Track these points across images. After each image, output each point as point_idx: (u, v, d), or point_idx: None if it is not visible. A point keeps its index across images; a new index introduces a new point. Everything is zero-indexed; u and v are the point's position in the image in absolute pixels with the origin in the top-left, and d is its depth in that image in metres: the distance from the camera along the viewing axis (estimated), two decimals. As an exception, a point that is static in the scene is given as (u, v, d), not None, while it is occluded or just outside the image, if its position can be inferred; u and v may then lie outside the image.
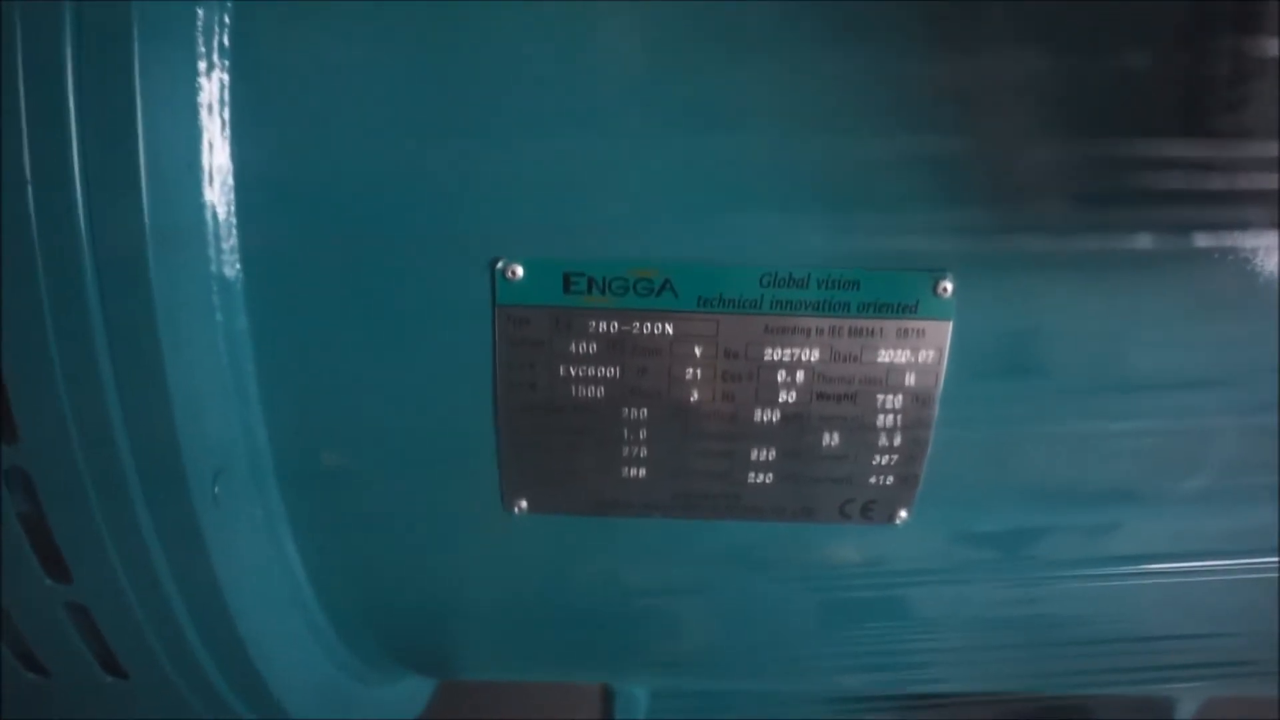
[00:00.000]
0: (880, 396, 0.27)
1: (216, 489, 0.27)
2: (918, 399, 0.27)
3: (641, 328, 0.27)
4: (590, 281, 0.26)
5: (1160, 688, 0.41)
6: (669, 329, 0.27)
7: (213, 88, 0.25)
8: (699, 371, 0.27)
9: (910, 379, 0.27)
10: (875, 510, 0.29)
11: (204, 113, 0.24)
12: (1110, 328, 0.26)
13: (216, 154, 0.25)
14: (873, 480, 0.29)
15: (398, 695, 0.46)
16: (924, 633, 0.35)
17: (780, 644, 0.36)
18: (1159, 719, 0.45)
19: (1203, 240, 0.25)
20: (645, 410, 0.28)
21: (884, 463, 0.28)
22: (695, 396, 0.27)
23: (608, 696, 0.56)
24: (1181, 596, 0.31)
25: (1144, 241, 0.25)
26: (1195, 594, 0.31)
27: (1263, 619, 0.32)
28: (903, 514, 0.29)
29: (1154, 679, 0.37)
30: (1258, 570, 0.31)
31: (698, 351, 0.27)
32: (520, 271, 0.26)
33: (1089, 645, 0.34)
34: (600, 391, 0.27)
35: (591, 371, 0.27)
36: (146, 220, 0.23)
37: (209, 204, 0.25)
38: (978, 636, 0.36)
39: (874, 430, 0.28)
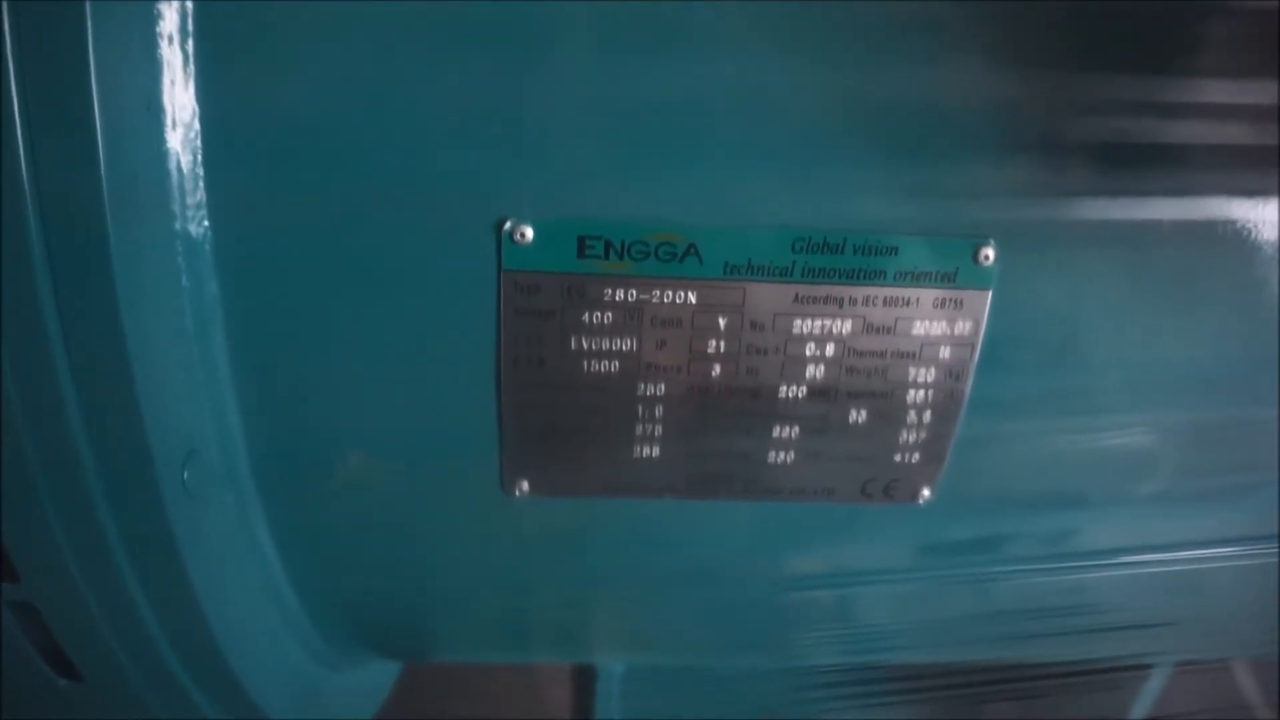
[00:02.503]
0: (912, 370, 0.26)
1: (186, 475, 0.24)
2: (951, 373, 0.26)
3: (662, 296, 0.24)
4: (608, 245, 0.24)
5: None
6: (691, 298, 0.24)
7: (173, 14, 0.21)
8: (722, 344, 0.25)
9: (945, 352, 0.25)
10: (898, 489, 0.28)
11: (164, 44, 0.21)
12: (1156, 304, 0.25)
13: (179, 93, 0.22)
14: (898, 458, 0.27)
15: (364, 679, 0.44)
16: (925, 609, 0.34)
17: (785, 623, 0.35)
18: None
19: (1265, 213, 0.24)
20: (662, 386, 0.26)
21: (911, 440, 0.27)
22: (717, 371, 0.25)
23: (579, 677, 0.54)
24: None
25: (1201, 212, 0.24)
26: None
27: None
28: (925, 492, 0.28)
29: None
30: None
31: (721, 323, 0.25)
32: (530, 234, 0.23)
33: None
34: (615, 366, 0.25)
35: (606, 344, 0.25)
36: (102, 167, 0.19)
37: (171, 151, 0.22)
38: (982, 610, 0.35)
39: (903, 406, 0.26)
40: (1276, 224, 0.24)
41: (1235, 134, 0.24)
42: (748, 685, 0.50)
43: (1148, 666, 0.48)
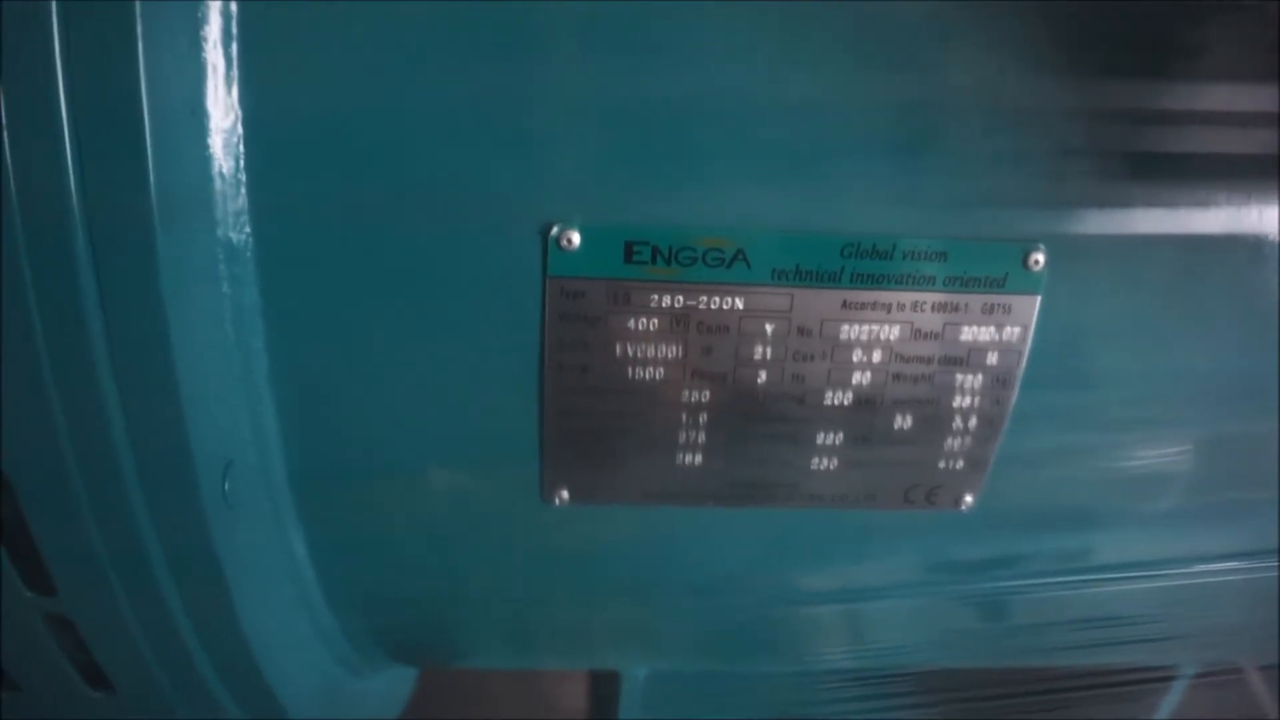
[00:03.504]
0: (960, 377, 0.25)
1: (226, 485, 0.23)
2: (998, 380, 0.26)
3: (709, 302, 0.24)
4: (655, 251, 0.23)
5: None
6: (739, 304, 0.24)
7: (217, 17, 0.21)
8: (769, 350, 0.25)
9: (993, 358, 0.25)
10: (940, 495, 0.28)
11: (208, 47, 0.21)
12: (1208, 311, 0.25)
13: (222, 97, 0.21)
14: (942, 465, 0.27)
15: (386, 683, 0.44)
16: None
17: (815, 631, 0.34)
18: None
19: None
20: (707, 393, 0.25)
21: (955, 446, 0.27)
22: (763, 378, 0.25)
23: (596, 683, 0.54)
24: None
25: (1253, 221, 0.24)
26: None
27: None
28: (969, 499, 0.28)
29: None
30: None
31: (769, 329, 0.24)
32: (576, 239, 0.23)
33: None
34: (660, 373, 0.25)
35: (651, 351, 0.24)
36: (150, 172, 0.19)
37: (214, 156, 0.21)
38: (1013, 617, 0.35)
39: (949, 412, 0.26)
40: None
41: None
42: (769, 688, 0.50)
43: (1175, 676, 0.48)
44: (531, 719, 0.63)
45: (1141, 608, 0.32)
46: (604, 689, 0.51)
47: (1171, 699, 0.50)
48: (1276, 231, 0.24)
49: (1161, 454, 0.27)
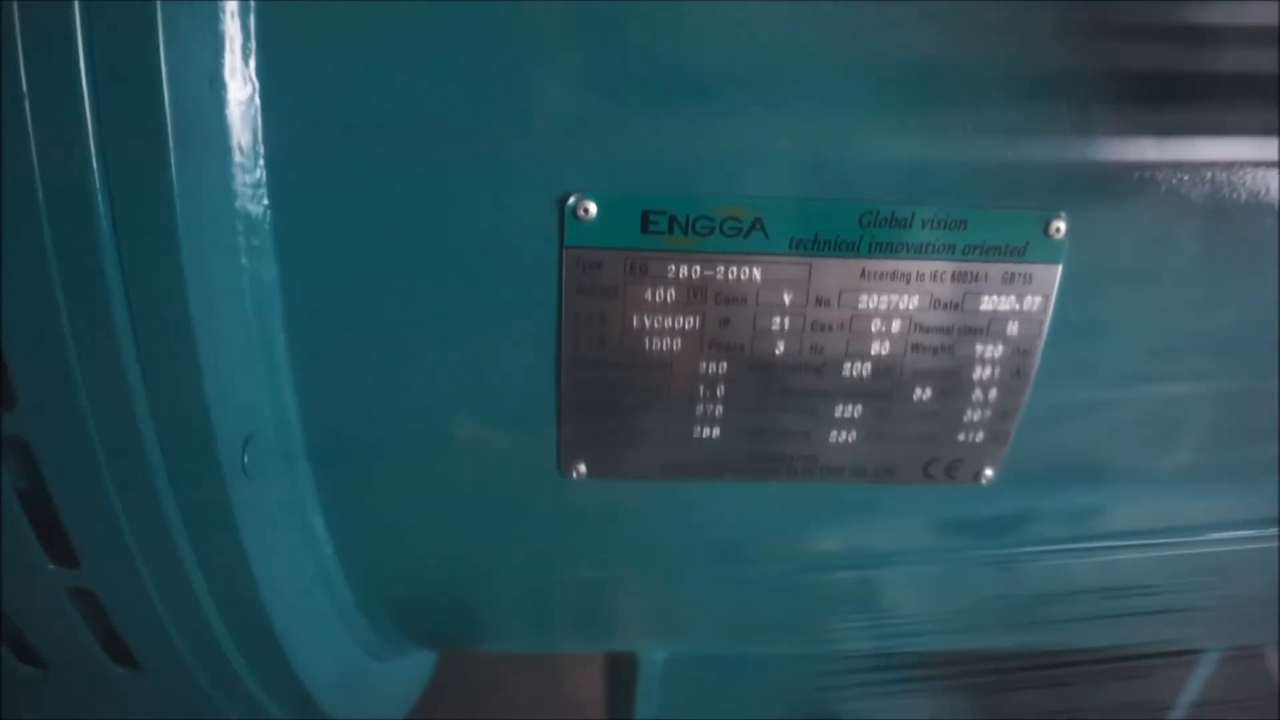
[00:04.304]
0: (979, 347, 0.25)
1: (246, 459, 0.24)
2: (1019, 350, 0.25)
3: (726, 273, 0.24)
4: (672, 221, 0.23)
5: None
6: (756, 274, 0.24)
7: (235, -12, 0.21)
8: (787, 321, 0.25)
9: (1013, 328, 0.25)
10: (960, 469, 0.28)
11: (227, 18, 0.21)
12: (1229, 279, 0.25)
13: (239, 70, 0.21)
14: (961, 437, 0.27)
15: (406, 667, 0.44)
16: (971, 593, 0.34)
17: (826, 607, 0.34)
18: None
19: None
20: (725, 364, 0.25)
21: (976, 418, 0.26)
22: (781, 349, 0.25)
23: (613, 667, 0.54)
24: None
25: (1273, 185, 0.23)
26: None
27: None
28: (988, 473, 0.28)
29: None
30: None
31: (787, 299, 0.24)
32: (593, 209, 0.23)
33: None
34: (677, 344, 0.25)
35: (668, 322, 0.24)
36: (170, 144, 0.19)
37: (232, 128, 0.22)
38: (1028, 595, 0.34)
39: (969, 384, 0.26)
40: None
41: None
42: (785, 675, 0.50)
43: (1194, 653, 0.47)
44: (549, 714, 0.63)
45: (1163, 578, 0.32)
46: (621, 678, 0.51)
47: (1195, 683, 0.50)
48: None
49: (1185, 421, 0.27)
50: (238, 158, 0.22)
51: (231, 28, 0.21)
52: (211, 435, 0.22)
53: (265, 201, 0.23)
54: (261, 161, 0.22)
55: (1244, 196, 0.24)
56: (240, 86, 0.21)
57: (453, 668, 0.52)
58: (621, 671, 0.52)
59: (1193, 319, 0.25)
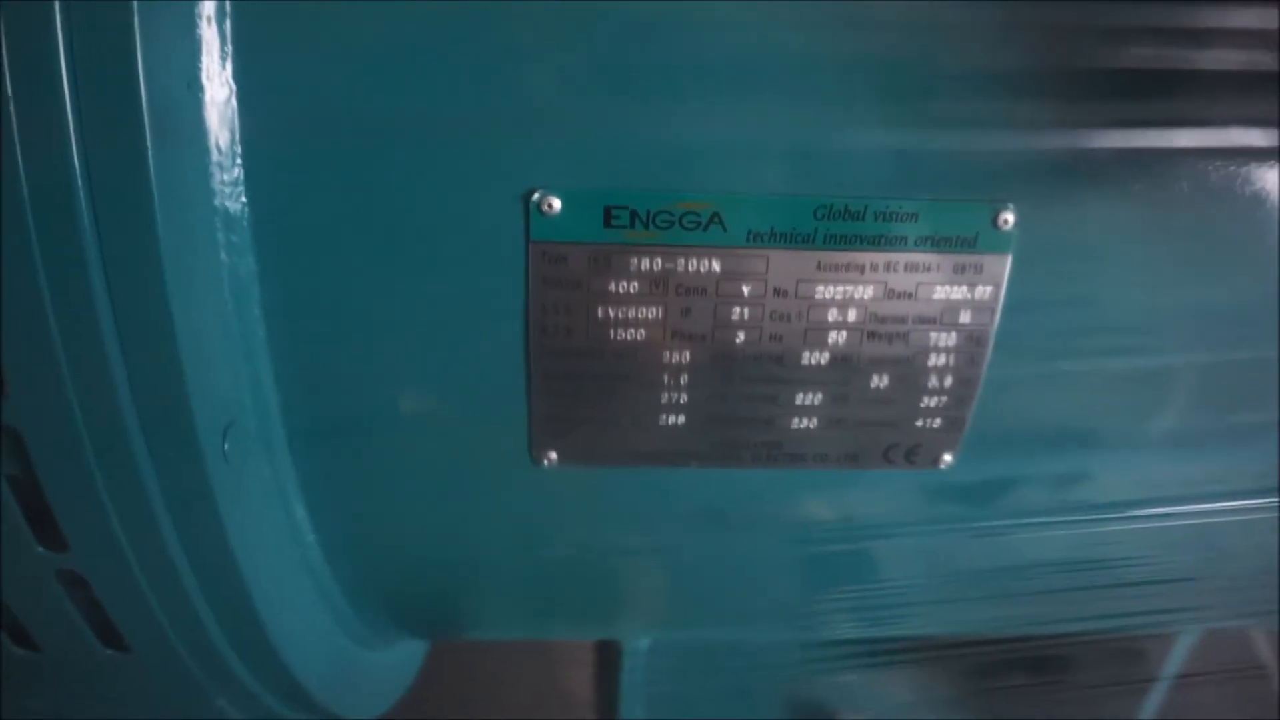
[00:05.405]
0: (934, 335, 0.26)
1: (226, 445, 0.25)
2: (972, 338, 0.26)
3: (687, 265, 0.25)
4: (633, 215, 0.24)
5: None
6: (716, 266, 0.25)
7: (211, -4, 0.22)
8: (746, 311, 0.26)
9: (965, 316, 0.26)
10: (920, 454, 0.28)
11: (203, 24, 0.22)
12: (1172, 261, 0.26)
13: (217, 73, 0.22)
14: (919, 423, 0.28)
15: (395, 658, 0.45)
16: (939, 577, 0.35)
17: (813, 590, 0.35)
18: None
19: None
20: (688, 354, 0.26)
21: (933, 405, 0.27)
22: (741, 338, 0.26)
23: (603, 656, 0.55)
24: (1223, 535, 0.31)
25: (1219, 173, 0.24)
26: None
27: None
28: (947, 457, 0.29)
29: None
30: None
31: (745, 290, 0.25)
32: (557, 204, 0.24)
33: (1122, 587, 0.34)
34: (640, 334, 0.26)
35: (632, 313, 0.25)
36: (149, 145, 0.20)
37: (211, 129, 0.23)
38: (1000, 580, 0.35)
39: (924, 371, 0.27)
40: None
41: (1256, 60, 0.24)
42: (766, 662, 0.51)
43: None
44: (545, 714, 0.64)
45: (1126, 553, 0.33)
46: (608, 672, 0.52)
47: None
48: (1252, 187, 0.25)
49: (1137, 402, 0.28)
50: (216, 157, 0.23)
51: (209, 34, 0.22)
52: (192, 423, 0.23)
53: (243, 199, 0.24)
54: (239, 160, 0.23)
55: (1185, 184, 0.25)
56: (218, 89, 0.22)
57: (445, 665, 0.53)
58: (608, 666, 0.53)
59: (1139, 303, 0.26)
